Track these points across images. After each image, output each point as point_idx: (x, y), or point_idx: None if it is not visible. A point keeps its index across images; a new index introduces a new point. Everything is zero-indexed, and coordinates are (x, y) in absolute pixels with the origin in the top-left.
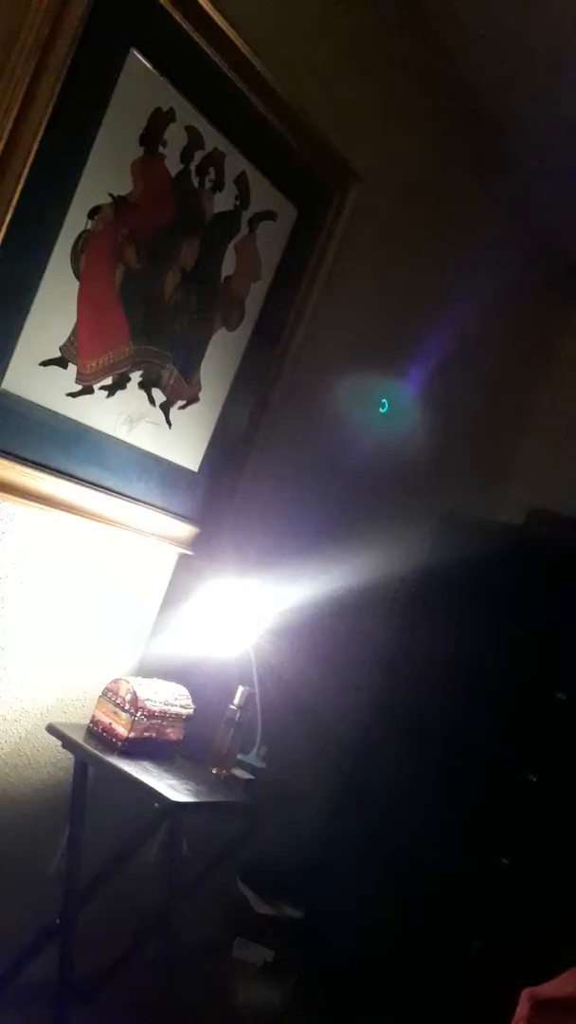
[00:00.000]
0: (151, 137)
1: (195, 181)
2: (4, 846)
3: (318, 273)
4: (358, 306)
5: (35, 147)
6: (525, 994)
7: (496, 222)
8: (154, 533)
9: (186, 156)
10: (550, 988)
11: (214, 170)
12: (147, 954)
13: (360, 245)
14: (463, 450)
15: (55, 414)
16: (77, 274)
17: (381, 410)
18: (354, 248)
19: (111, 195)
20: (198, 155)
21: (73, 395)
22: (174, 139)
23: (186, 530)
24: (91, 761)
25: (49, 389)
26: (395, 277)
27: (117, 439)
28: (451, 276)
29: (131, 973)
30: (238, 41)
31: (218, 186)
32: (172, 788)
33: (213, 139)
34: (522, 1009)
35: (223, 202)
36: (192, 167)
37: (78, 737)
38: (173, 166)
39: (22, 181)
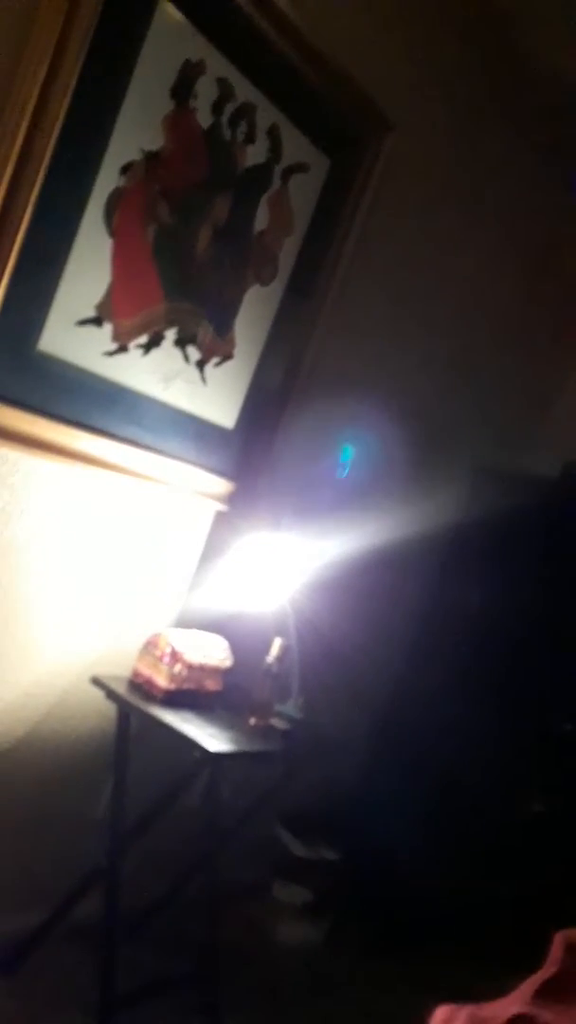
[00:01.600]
0: (182, 90)
1: (227, 134)
2: (53, 792)
3: (352, 225)
4: (393, 258)
5: (66, 104)
6: (558, 937)
7: (535, 169)
8: (190, 489)
9: (217, 109)
10: None
11: (246, 123)
12: (190, 894)
13: (395, 195)
14: (497, 402)
15: (92, 374)
16: (110, 232)
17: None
18: (389, 198)
19: (143, 150)
20: (229, 107)
21: (109, 354)
22: (205, 91)
23: (222, 486)
24: (133, 712)
25: (86, 349)
26: (431, 227)
27: (153, 398)
28: (489, 224)
29: (175, 911)
30: None
31: (250, 139)
32: (212, 738)
33: (244, 90)
34: (556, 951)
35: (255, 155)
36: (223, 120)
37: (120, 689)
38: (204, 119)
39: (54, 139)
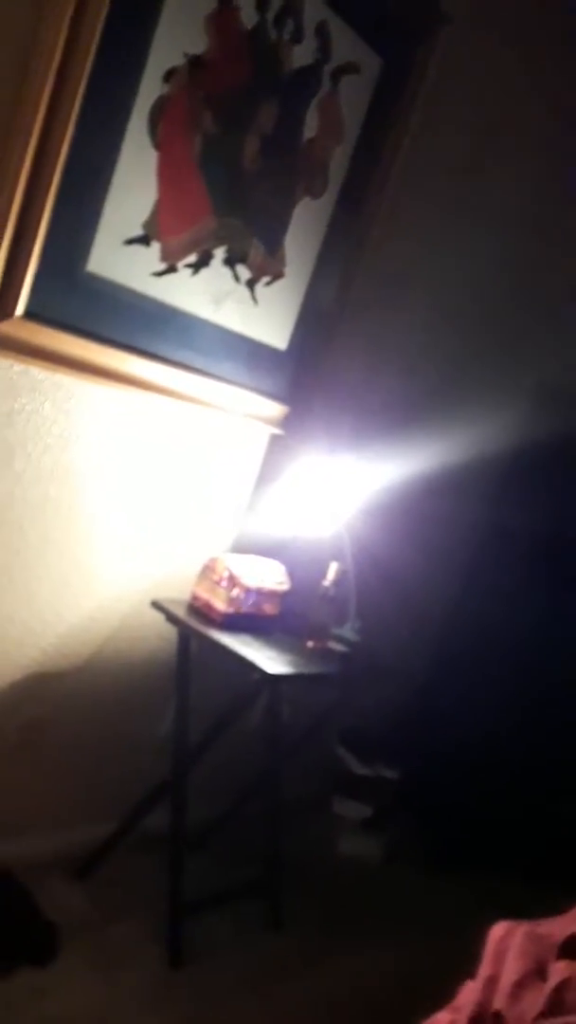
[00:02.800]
0: None
1: (272, 34)
2: (120, 710)
3: (405, 130)
4: (449, 165)
5: (105, 8)
6: None
7: None
8: (244, 413)
9: (262, 6)
10: None
11: (292, 21)
12: (252, 808)
13: (451, 97)
14: (563, 317)
15: (141, 295)
16: (155, 144)
17: None
18: (445, 100)
19: (185, 54)
20: (275, 4)
21: (158, 275)
22: None
23: (276, 409)
24: (193, 635)
25: (134, 269)
26: (490, 131)
27: (204, 319)
28: (556, 128)
29: (238, 824)
30: None
31: (297, 38)
32: (270, 660)
33: None
34: None
35: (303, 56)
36: (269, 18)
37: (180, 612)
38: (249, 19)
39: (94, 46)
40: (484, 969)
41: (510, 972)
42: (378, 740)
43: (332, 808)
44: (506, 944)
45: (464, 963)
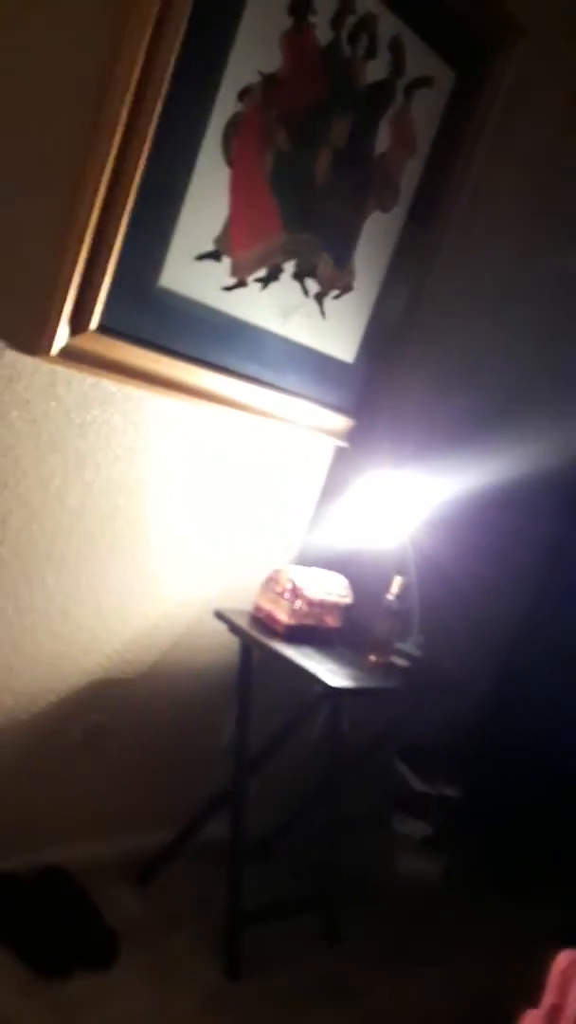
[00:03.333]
0: (300, 5)
1: (346, 50)
2: (182, 717)
3: (478, 143)
4: (523, 177)
5: (182, 28)
6: None
7: None
8: (310, 426)
9: (336, 23)
10: None
11: (367, 36)
12: (312, 821)
13: (525, 109)
14: None
15: (211, 309)
16: (228, 161)
17: None
18: (518, 113)
19: (260, 73)
20: (349, 21)
21: (228, 289)
22: (324, 6)
23: (342, 422)
24: (255, 645)
25: (205, 284)
26: (567, 142)
27: (272, 332)
28: None
29: (298, 837)
30: None
31: (371, 53)
32: (332, 673)
33: (365, 1)
34: None
35: (376, 71)
36: (343, 35)
37: (243, 623)
38: (323, 36)
39: (171, 65)
40: (547, 998)
41: (575, 1003)
42: (440, 757)
43: (392, 825)
44: (571, 973)
45: (526, 990)
